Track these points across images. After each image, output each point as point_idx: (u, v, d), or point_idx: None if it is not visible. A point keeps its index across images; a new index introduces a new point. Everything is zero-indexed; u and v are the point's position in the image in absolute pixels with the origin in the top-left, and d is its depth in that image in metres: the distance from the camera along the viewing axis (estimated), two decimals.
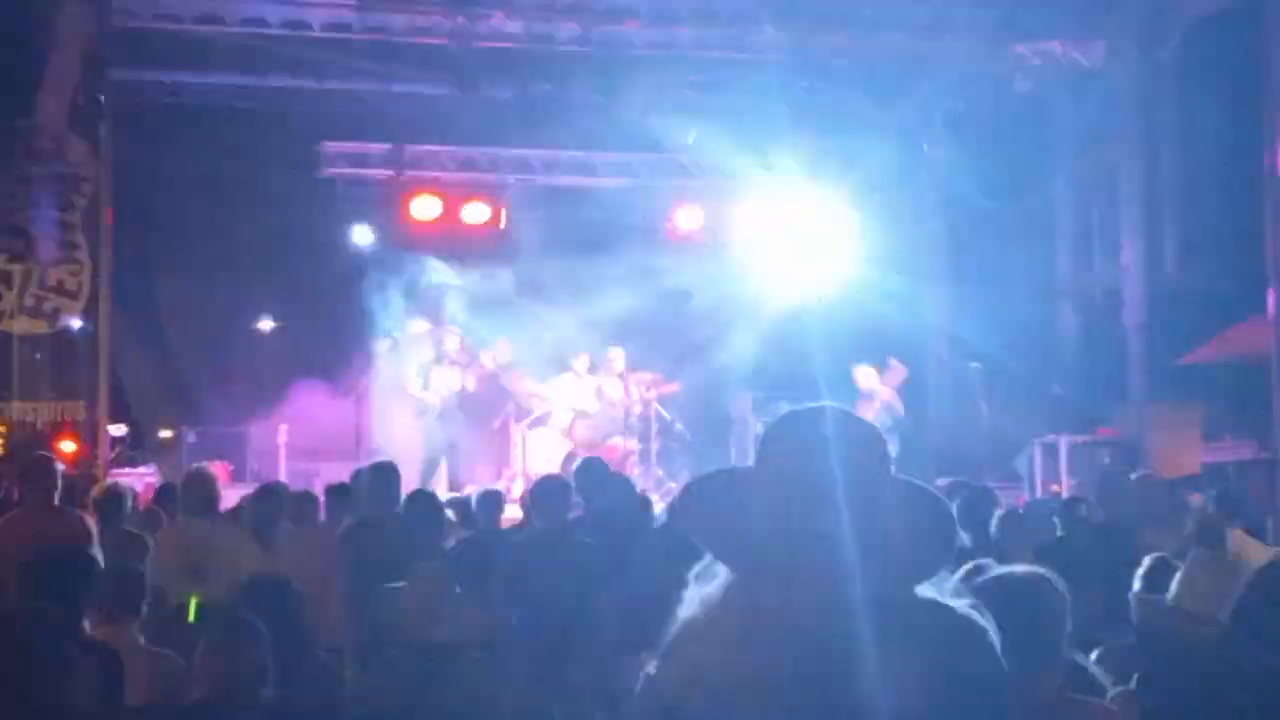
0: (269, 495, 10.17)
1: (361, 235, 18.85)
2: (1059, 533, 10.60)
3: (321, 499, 11.19)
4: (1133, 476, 10.73)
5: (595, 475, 9.56)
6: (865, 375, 17.20)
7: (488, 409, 18.00)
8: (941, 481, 12.75)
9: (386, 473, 9.64)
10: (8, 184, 15.23)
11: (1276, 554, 7.12)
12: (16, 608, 4.70)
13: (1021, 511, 10.89)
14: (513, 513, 12.23)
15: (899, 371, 17.23)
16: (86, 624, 5.96)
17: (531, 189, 20.12)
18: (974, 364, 17.18)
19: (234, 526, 9.79)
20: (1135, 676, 5.01)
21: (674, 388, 18.33)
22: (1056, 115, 19.54)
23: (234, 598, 6.65)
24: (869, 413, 16.76)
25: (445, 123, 18.49)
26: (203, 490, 9.74)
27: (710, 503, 2.82)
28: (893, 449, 2.81)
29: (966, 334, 19.37)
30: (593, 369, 18.07)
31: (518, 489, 15.66)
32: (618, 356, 18.11)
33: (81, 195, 15.29)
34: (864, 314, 18.04)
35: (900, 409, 16.87)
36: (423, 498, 9.76)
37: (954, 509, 8.27)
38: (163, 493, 11.67)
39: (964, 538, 8.93)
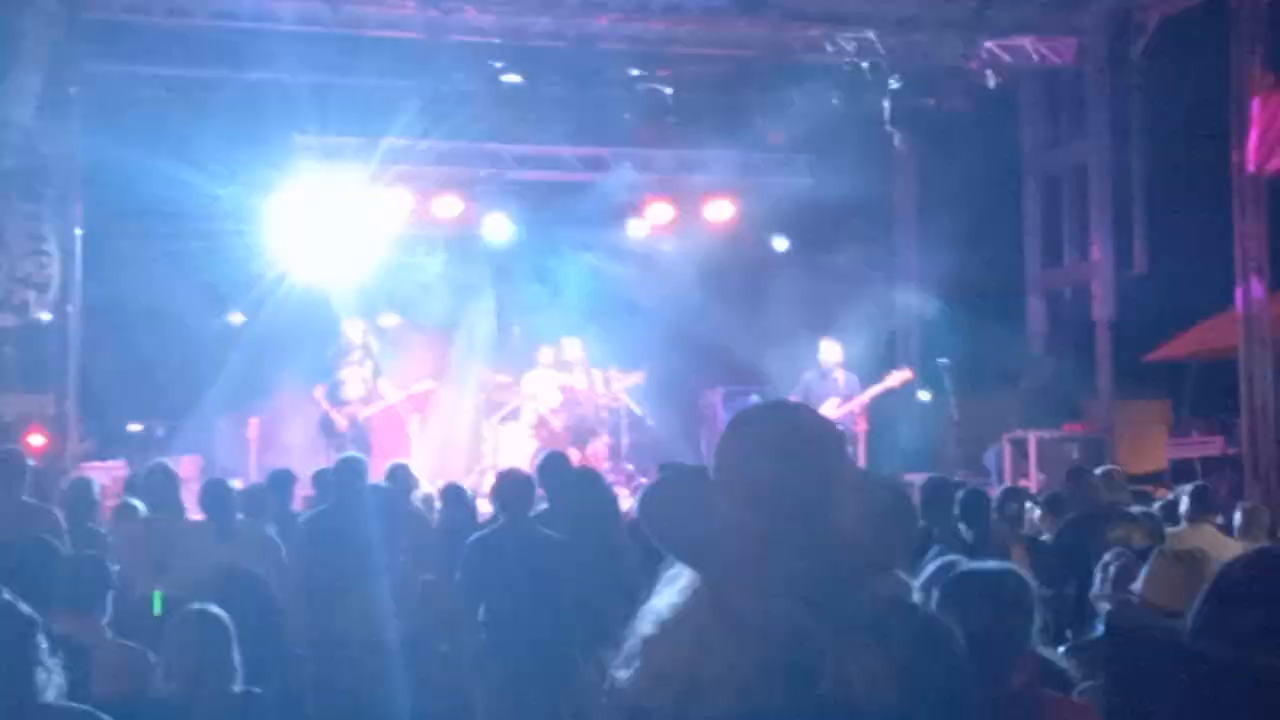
0: (218, 489, 10.15)
1: (330, 223, 18.75)
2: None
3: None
4: (1098, 472, 10.80)
5: (556, 470, 9.57)
6: (830, 350, 16.98)
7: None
8: (912, 477, 12.82)
9: (352, 466, 9.63)
10: None
11: (1244, 549, 7.16)
12: None
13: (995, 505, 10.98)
14: (484, 508, 12.23)
15: (904, 374, 17.18)
16: (53, 618, 5.94)
17: (502, 183, 20.10)
18: (943, 359, 17.21)
19: (196, 520, 9.77)
20: (1103, 671, 5.04)
21: (638, 377, 18.31)
22: (1026, 111, 19.61)
23: (201, 591, 6.63)
24: (828, 389, 16.66)
25: (417, 116, 18.43)
26: (164, 484, 9.73)
27: (669, 504, 2.81)
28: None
29: (935, 329, 19.44)
30: (558, 362, 18.03)
31: (488, 484, 15.62)
32: (574, 346, 18.04)
33: (51, 187, 15.22)
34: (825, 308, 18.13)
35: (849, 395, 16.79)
36: (385, 492, 9.75)
37: (957, 502, 8.21)
38: (126, 486, 11.63)
39: (965, 533, 9.01)
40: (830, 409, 16.03)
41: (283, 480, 11.41)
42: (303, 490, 12.03)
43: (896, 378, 17.01)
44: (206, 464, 17.20)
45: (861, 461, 15.77)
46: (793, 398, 15.18)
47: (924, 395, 17.65)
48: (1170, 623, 4.96)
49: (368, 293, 18.46)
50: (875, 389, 16.86)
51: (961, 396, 17.01)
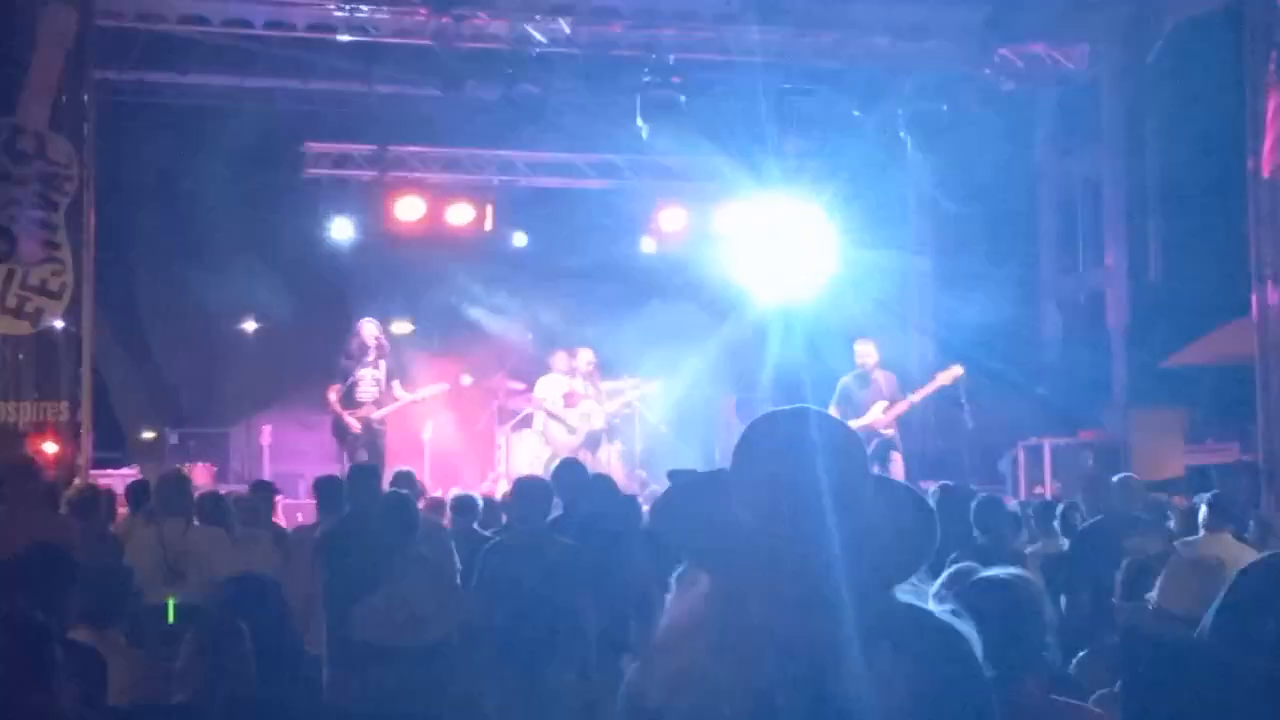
0: (216, 501, 10.17)
1: (342, 231, 18.78)
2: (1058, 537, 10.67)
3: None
4: (1115, 480, 10.75)
5: (573, 476, 9.55)
6: (866, 351, 16.52)
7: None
8: (926, 484, 12.77)
9: (366, 474, 9.63)
10: None
11: (1261, 556, 7.13)
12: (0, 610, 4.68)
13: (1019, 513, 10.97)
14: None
15: (955, 371, 16.68)
16: (69, 626, 5.94)
17: (516, 190, 20.14)
18: (957, 366, 17.15)
19: (209, 528, 9.76)
20: (1119, 678, 5.03)
21: (653, 386, 18.26)
22: (1040, 117, 19.57)
23: (217, 599, 6.63)
24: (871, 393, 16.27)
25: (429, 123, 18.47)
26: (177, 491, 9.73)
27: (688, 508, 2.79)
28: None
29: (950, 336, 19.38)
30: (571, 369, 18.00)
31: (501, 492, 15.60)
32: (585, 353, 18.00)
33: (64, 195, 15.20)
34: (846, 315, 18.00)
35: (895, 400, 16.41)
36: (399, 500, 9.73)
37: (970, 510, 8.21)
38: (135, 492, 11.59)
39: (979, 538, 9.00)
40: (878, 413, 15.86)
41: (264, 489, 11.67)
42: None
43: (948, 375, 16.49)
44: (220, 471, 17.23)
45: (900, 466, 15.68)
46: (832, 405, 15.04)
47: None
48: (1186, 630, 4.95)
49: (381, 299, 18.47)
50: (926, 388, 16.48)
51: (976, 403, 16.94)
